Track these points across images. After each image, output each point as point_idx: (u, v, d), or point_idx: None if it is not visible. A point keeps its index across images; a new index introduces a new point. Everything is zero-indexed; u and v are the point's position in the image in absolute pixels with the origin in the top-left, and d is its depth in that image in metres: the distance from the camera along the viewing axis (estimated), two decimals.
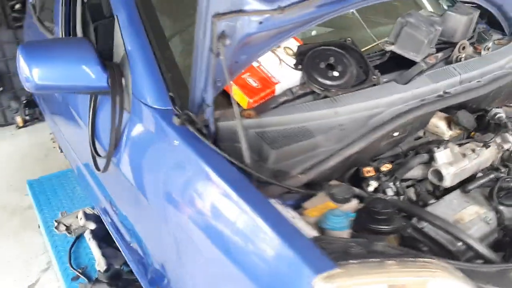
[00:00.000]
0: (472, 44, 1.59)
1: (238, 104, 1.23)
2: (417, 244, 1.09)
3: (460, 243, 1.04)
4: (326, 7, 1.15)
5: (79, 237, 2.29)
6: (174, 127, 1.15)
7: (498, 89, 1.44)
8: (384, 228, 0.96)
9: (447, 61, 1.49)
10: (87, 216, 2.27)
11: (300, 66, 1.28)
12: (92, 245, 2.12)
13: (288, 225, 0.85)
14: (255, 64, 1.27)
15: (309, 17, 1.15)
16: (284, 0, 1.05)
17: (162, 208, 1.17)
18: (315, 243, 0.82)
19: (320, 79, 1.24)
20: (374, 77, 1.29)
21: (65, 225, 2.31)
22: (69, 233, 2.27)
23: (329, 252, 0.79)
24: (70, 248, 2.20)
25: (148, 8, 1.46)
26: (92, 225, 2.24)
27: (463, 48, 1.49)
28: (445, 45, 1.52)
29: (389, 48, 1.38)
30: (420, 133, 1.46)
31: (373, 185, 1.21)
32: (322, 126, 1.18)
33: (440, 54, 1.46)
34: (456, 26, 1.50)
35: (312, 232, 0.89)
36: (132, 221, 1.49)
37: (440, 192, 1.31)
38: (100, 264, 2.04)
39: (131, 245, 1.63)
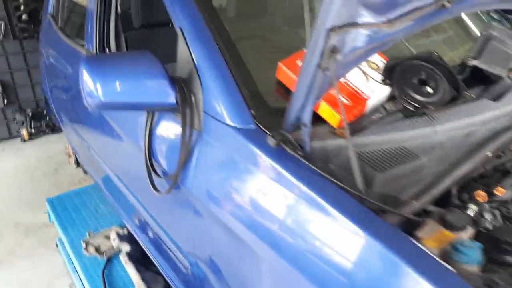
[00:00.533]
0: None
1: (327, 122, 1.15)
2: None
3: None
4: (425, 19, 1.09)
5: (110, 259, 2.16)
6: (264, 148, 1.06)
7: None
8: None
9: None
10: (121, 237, 2.15)
11: (388, 81, 1.20)
12: (129, 268, 1.99)
13: (433, 262, 0.77)
14: (342, 79, 1.19)
15: (405, 31, 1.08)
16: (392, 12, 0.98)
17: (252, 238, 1.07)
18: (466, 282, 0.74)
19: (414, 95, 1.17)
20: (467, 93, 1.22)
21: (94, 246, 2.17)
22: (100, 254, 2.14)
23: None
24: (103, 271, 2.07)
25: (214, 17, 1.37)
26: (127, 247, 2.12)
27: None
28: None
29: (472, 63, 1.32)
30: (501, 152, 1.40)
31: (473, 208, 1.13)
32: (423, 146, 1.10)
33: None
34: None
35: (451, 270, 0.80)
36: (196, 247, 1.38)
37: None
38: None
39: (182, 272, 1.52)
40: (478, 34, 1.78)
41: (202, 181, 1.24)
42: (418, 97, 1.16)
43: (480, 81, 1.35)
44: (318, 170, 0.96)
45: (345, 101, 1.16)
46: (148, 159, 1.43)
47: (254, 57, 1.38)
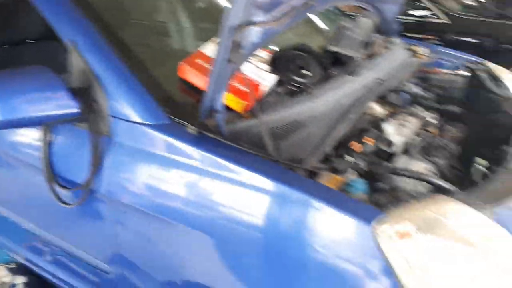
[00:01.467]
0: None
1: (233, 109, 1.36)
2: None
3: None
4: (297, 17, 1.38)
5: None
6: (183, 137, 1.20)
7: (405, 73, 1.87)
8: (386, 186, 1.22)
9: (371, 56, 1.86)
10: (12, 271, 2.01)
11: (274, 69, 1.47)
12: None
13: (333, 192, 1.05)
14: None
15: (283, 27, 1.35)
16: (278, 11, 1.23)
17: (188, 223, 1.19)
18: (361, 201, 1.04)
19: (295, 78, 1.46)
20: (332, 72, 1.56)
21: None
22: None
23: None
24: None
25: (107, 27, 1.45)
26: (22, 279, 1.99)
27: (379, 45, 1.89)
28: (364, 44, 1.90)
29: (334, 49, 1.68)
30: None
31: (349, 158, 1.47)
32: (309, 117, 1.39)
33: (367, 52, 1.83)
34: (367, 28, 1.89)
35: None
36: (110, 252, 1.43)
37: (389, 157, 1.66)
38: None
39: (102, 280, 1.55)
40: (327, 28, 2.21)
41: (119, 182, 1.30)
42: (297, 79, 1.46)
43: (340, 62, 1.72)
44: (238, 146, 1.16)
45: (243, 88, 1.38)
46: (50, 174, 1.41)
47: (153, 60, 1.50)
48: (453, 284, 0.98)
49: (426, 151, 1.64)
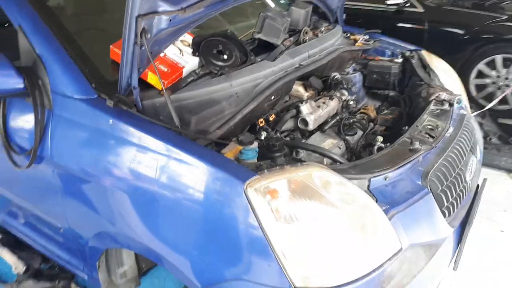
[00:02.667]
0: (311, 30, 2.18)
1: (154, 87, 1.55)
2: None
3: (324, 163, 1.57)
4: (211, 7, 1.55)
5: None
6: (106, 109, 1.41)
7: (332, 60, 2.05)
8: (277, 155, 1.41)
9: (297, 43, 2.04)
10: None
11: (197, 53, 1.65)
12: (4, 253, 2.12)
13: (219, 157, 1.24)
14: (161, 54, 1.60)
15: (200, 15, 1.54)
16: (185, 2, 1.41)
17: (109, 185, 1.40)
18: (240, 164, 1.23)
19: (214, 62, 1.64)
20: (252, 58, 1.75)
21: None
22: None
23: (250, 168, 1.21)
24: None
25: (49, 13, 1.64)
26: None
27: (306, 33, 2.06)
28: (294, 32, 2.08)
29: (257, 36, 1.86)
30: (286, 98, 1.99)
31: (263, 134, 1.67)
32: (223, 96, 1.58)
33: (292, 38, 2.01)
34: (299, 17, 2.07)
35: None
36: (59, 210, 1.64)
37: (307, 135, 1.85)
38: (18, 267, 2.07)
39: (58, 235, 1.77)
40: None
41: (59, 148, 1.52)
42: (217, 62, 1.65)
43: (265, 48, 1.90)
44: (147, 118, 1.35)
45: (165, 69, 1.57)
46: (6, 142, 1.64)
47: (92, 45, 1.69)
48: (312, 236, 1.18)
49: (340, 129, 1.83)
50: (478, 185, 1.85)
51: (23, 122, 1.65)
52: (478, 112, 3.64)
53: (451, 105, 1.87)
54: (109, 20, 1.87)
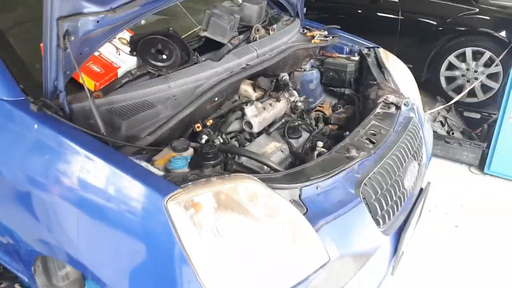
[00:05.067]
0: (264, 26, 2.12)
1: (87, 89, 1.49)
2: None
3: (265, 168, 1.55)
4: (147, 6, 1.49)
5: None
6: (31, 113, 1.35)
7: (284, 59, 2.01)
8: (211, 163, 1.38)
9: (248, 41, 1.99)
10: None
11: (134, 53, 1.59)
12: None
13: (141, 169, 1.21)
14: (96, 53, 1.53)
15: (135, 14, 1.47)
16: (115, 2, 1.35)
17: (33, 191, 1.35)
18: (162, 177, 1.20)
19: (152, 62, 1.59)
20: (194, 57, 1.69)
21: None
22: None
23: (173, 181, 1.18)
24: None
25: None
26: None
27: (257, 30, 2.01)
28: (245, 28, 2.02)
29: (203, 34, 1.80)
30: (236, 97, 1.95)
31: (204, 138, 1.63)
32: (160, 98, 1.53)
33: (241, 36, 1.95)
34: (251, 13, 2.01)
35: (160, 173, 1.25)
36: None
37: (254, 137, 1.83)
38: None
39: None
40: None
41: None
42: (155, 63, 1.59)
43: (213, 47, 1.84)
44: (70, 124, 1.30)
45: (98, 70, 1.51)
46: None
47: (22, 43, 1.60)
48: (235, 251, 1.16)
49: (285, 132, 1.80)
50: (421, 189, 1.86)
51: None
52: (444, 106, 3.66)
53: (398, 108, 1.86)
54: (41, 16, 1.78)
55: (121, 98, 1.48)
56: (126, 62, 1.57)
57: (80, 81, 1.46)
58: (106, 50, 1.56)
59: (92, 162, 1.23)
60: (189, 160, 1.37)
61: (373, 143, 1.61)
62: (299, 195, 1.36)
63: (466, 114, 3.78)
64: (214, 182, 1.20)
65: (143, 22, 2.13)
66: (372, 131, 1.68)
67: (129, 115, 1.45)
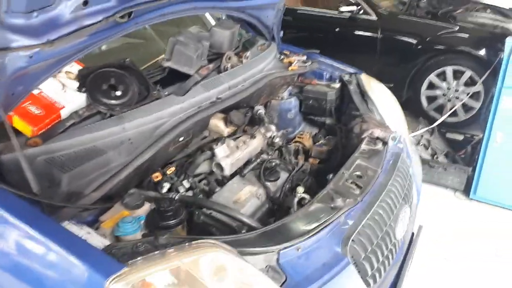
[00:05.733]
0: (237, 53, 1.92)
1: (22, 134, 1.25)
2: (209, 228, 1.34)
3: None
4: (96, 35, 1.27)
5: None
6: None
7: (259, 89, 1.80)
8: (171, 223, 1.15)
9: (218, 70, 1.78)
10: None
11: (83, 89, 1.36)
12: None
13: (79, 242, 0.97)
14: (35, 92, 1.30)
15: (82, 45, 1.25)
16: (53, 34, 1.13)
17: None
18: (105, 251, 0.96)
19: (104, 100, 1.35)
20: (155, 92, 1.47)
21: None
22: None
23: (119, 255, 0.95)
24: None
25: None
26: None
27: (229, 58, 1.80)
28: (216, 56, 1.81)
29: (166, 64, 1.58)
30: (206, 133, 1.73)
31: (166, 186, 1.40)
32: (112, 143, 1.30)
33: (211, 65, 1.74)
34: (222, 39, 1.80)
35: (105, 242, 1.02)
36: None
37: (226, 180, 1.61)
38: None
39: None
40: None
41: None
42: (107, 101, 1.36)
43: (179, 79, 1.62)
44: None
45: (37, 112, 1.27)
46: None
47: None
48: None
49: (261, 174, 1.59)
50: (413, 234, 1.68)
51: None
52: (427, 128, 3.55)
53: (384, 143, 1.68)
54: None
55: (63, 145, 1.24)
56: (72, 100, 1.33)
57: (15, 124, 1.23)
58: (50, 87, 1.32)
59: (22, 231, 0.99)
60: (142, 222, 1.14)
61: (360, 187, 1.42)
62: (277, 259, 1.14)
63: (448, 135, 3.68)
64: (170, 255, 0.98)
65: (104, 47, 1.92)
66: (357, 173, 1.49)
67: (73, 166, 1.21)
